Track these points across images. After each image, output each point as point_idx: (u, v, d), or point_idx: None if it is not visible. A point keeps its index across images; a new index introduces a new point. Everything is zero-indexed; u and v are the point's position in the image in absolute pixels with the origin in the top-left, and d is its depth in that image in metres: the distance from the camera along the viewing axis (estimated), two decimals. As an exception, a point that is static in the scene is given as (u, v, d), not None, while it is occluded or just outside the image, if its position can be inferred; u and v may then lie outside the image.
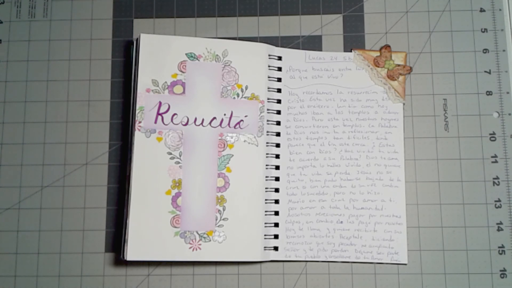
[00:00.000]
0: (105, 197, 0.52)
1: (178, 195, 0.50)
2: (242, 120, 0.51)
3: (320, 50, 0.54)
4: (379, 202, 0.51)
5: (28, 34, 0.55)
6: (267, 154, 0.51)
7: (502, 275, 0.50)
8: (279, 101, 0.53)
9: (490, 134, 0.52)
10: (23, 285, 0.51)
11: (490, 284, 0.50)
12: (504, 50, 0.54)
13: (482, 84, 0.53)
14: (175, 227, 0.49)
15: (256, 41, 0.53)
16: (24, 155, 0.53)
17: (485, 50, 0.54)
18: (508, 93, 0.53)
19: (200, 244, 0.49)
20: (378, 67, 0.53)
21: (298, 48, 0.54)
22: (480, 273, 0.50)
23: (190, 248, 0.49)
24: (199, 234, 0.49)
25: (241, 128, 0.51)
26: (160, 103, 0.51)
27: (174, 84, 0.51)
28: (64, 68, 0.54)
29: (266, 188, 0.51)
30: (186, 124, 0.51)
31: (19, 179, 0.52)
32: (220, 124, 0.51)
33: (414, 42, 0.54)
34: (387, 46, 0.54)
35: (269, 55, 0.53)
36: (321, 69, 0.54)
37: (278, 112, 0.53)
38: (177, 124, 0.51)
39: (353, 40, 0.54)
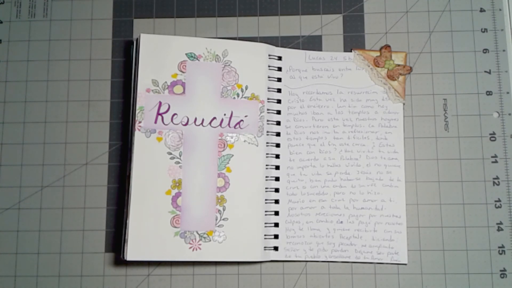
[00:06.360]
0: (105, 197, 0.52)
1: (178, 195, 0.50)
2: (242, 120, 0.51)
3: (320, 50, 0.54)
4: (379, 202, 0.51)
5: (28, 34, 0.55)
6: (267, 154, 0.51)
7: (502, 275, 0.50)
8: (279, 101, 0.53)
9: (490, 134, 0.52)
10: (23, 285, 0.51)
11: (490, 284, 0.50)
12: (504, 50, 0.54)
13: (482, 84, 0.53)
14: (175, 227, 0.49)
15: (256, 41, 0.53)
16: (24, 155, 0.53)
17: (485, 50, 0.54)
18: (508, 93, 0.53)
19: (200, 244, 0.49)
20: (378, 67, 0.53)
21: (298, 48, 0.54)
22: (480, 273, 0.50)
23: (190, 248, 0.49)
24: (199, 234, 0.49)
25: (241, 128, 0.51)
26: (160, 103, 0.51)
27: (174, 84, 0.51)
28: (64, 68, 0.54)
29: (266, 188, 0.51)
30: (186, 124, 0.51)
31: (19, 179, 0.52)
32: (220, 124, 0.51)
33: (414, 42, 0.54)
34: (387, 46, 0.54)
35: (269, 55, 0.53)
36: (321, 69, 0.54)
37: (278, 112, 0.53)
38: (177, 124, 0.51)
39: (353, 40, 0.54)
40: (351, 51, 0.54)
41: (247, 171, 0.51)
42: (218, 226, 0.50)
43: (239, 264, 0.51)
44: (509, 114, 0.53)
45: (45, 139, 0.53)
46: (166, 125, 0.50)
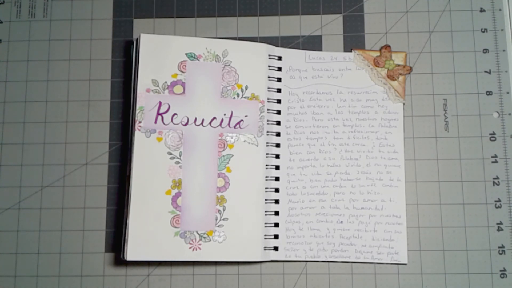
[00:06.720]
0: (105, 197, 0.52)
1: (178, 195, 0.50)
2: (242, 120, 0.51)
3: (320, 50, 0.54)
4: (379, 202, 0.51)
5: (28, 34, 0.55)
6: (267, 154, 0.51)
7: (502, 275, 0.50)
8: (279, 101, 0.53)
9: (490, 134, 0.52)
10: (23, 285, 0.51)
11: (490, 284, 0.50)
12: (504, 50, 0.54)
13: (482, 84, 0.53)
14: (175, 227, 0.49)
15: (256, 41, 0.53)
16: (24, 155, 0.53)
17: (485, 50, 0.54)
18: (508, 93, 0.53)
19: (200, 244, 0.49)
20: (378, 67, 0.53)
21: (298, 48, 0.54)
22: (480, 273, 0.50)
23: (190, 248, 0.49)
24: (199, 234, 0.49)
25: (241, 128, 0.51)
26: (160, 103, 0.51)
27: (174, 84, 0.51)
28: (64, 68, 0.54)
29: (266, 188, 0.51)
30: (186, 124, 0.51)
31: (19, 179, 0.52)
32: (220, 124, 0.51)
33: (414, 42, 0.54)
34: (387, 46, 0.54)
35: (269, 55, 0.53)
36: (321, 69, 0.54)
37: (278, 112, 0.53)
38: (177, 124, 0.51)
39: (353, 40, 0.54)
40: (351, 51, 0.54)
41: (247, 171, 0.51)
42: (218, 226, 0.50)
43: (239, 264, 0.51)
44: (509, 114, 0.53)
45: (45, 139, 0.53)
46: (166, 125, 0.50)
